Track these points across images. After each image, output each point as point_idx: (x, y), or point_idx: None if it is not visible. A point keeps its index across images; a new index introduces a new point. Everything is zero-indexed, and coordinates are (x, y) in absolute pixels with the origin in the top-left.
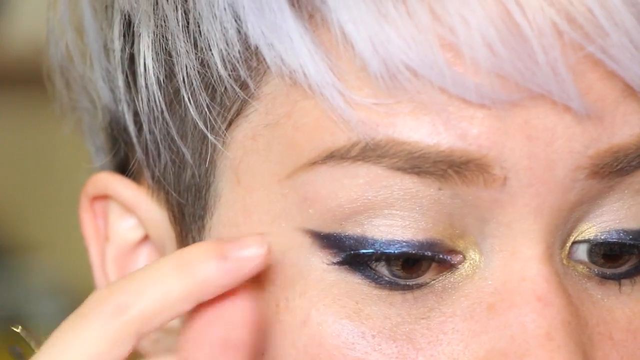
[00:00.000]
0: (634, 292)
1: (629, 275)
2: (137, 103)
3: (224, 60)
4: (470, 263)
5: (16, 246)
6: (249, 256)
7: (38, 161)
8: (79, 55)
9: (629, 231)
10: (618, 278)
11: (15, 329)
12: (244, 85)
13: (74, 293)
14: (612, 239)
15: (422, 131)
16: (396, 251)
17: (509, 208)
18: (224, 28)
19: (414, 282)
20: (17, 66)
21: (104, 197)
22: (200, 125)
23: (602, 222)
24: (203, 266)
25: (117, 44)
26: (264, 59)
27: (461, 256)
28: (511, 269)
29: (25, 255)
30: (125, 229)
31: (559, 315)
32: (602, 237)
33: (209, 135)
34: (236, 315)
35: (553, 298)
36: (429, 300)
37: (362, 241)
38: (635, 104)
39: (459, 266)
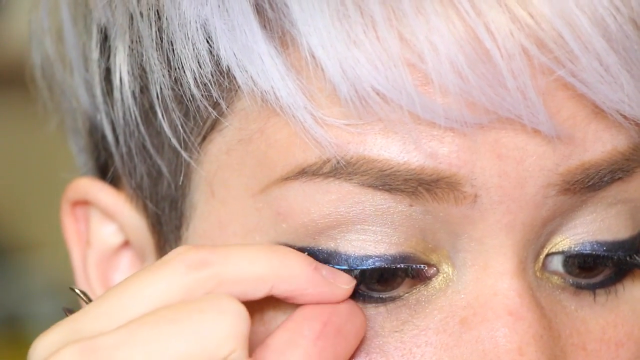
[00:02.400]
0: (608, 302)
1: (603, 285)
2: (112, 115)
3: (196, 80)
4: (443, 277)
5: (16, 246)
6: (336, 282)
7: (38, 161)
8: (58, 61)
9: (603, 243)
10: (593, 288)
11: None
12: (216, 105)
13: (73, 293)
14: (586, 250)
15: (393, 149)
16: (370, 267)
17: (480, 224)
18: (196, 49)
19: (387, 295)
20: (17, 66)
21: (84, 203)
22: (174, 140)
23: (576, 235)
24: (294, 262)
25: (95, 54)
26: (236, 80)
27: (435, 269)
28: (483, 283)
29: (25, 255)
30: (106, 234)
31: (530, 330)
32: (576, 249)
33: (181, 151)
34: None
35: (525, 312)
36: (402, 313)
37: (335, 256)
38: (607, 120)
39: (433, 279)
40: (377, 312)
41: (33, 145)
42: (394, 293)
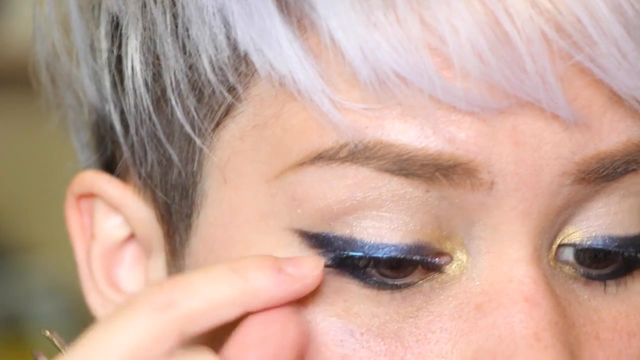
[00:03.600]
0: (619, 293)
1: (614, 276)
2: (123, 104)
3: (212, 64)
4: (457, 264)
5: (16, 246)
6: (303, 274)
7: (38, 161)
8: (65, 53)
9: (614, 237)
10: (604, 279)
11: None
12: (231, 89)
13: (74, 293)
14: (598, 245)
15: (411, 134)
16: (384, 255)
17: (495, 211)
18: (213, 33)
19: (402, 282)
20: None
21: (90, 196)
22: (187, 127)
23: (589, 227)
24: (257, 274)
25: (104, 44)
26: (253, 64)
27: (448, 257)
28: (498, 270)
29: (25, 255)
30: (111, 227)
31: (546, 316)
32: (588, 243)
33: (194, 137)
34: (285, 336)
35: (541, 299)
36: (417, 299)
37: (350, 242)
38: (622, 110)
39: (446, 267)
40: (392, 298)
41: (33, 145)
42: (407, 280)
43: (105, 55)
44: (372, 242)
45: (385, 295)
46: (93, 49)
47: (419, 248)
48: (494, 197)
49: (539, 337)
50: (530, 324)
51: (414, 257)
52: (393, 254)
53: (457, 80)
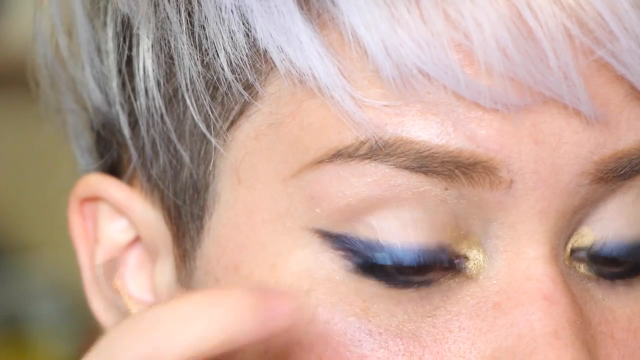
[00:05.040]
0: (631, 292)
1: (626, 276)
2: (134, 105)
3: (230, 62)
4: (474, 263)
5: (16, 246)
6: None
7: (38, 161)
8: (68, 56)
9: (627, 237)
10: (615, 278)
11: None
12: (248, 87)
13: (74, 293)
14: (610, 253)
15: (431, 131)
16: (408, 257)
17: (514, 210)
18: (232, 31)
19: (420, 280)
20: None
21: (93, 199)
22: (201, 126)
23: (602, 229)
24: (234, 300)
25: (112, 46)
26: (272, 62)
27: (464, 258)
28: (516, 269)
29: (25, 255)
30: (115, 230)
31: (565, 314)
32: (598, 248)
33: (210, 136)
34: None
35: (559, 297)
36: (435, 298)
37: (374, 244)
38: (638, 108)
39: (463, 266)
40: (409, 298)
41: (33, 145)
42: (425, 278)
43: (112, 56)
44: (396, 243)
45: (403, 295)
46: (99, 50)
47: (441, 249)
48: (513, 196)
49: (559, 335)
50: (550, 322)
51: (438, 257)
52: (417, 255)
53: (481, 76)
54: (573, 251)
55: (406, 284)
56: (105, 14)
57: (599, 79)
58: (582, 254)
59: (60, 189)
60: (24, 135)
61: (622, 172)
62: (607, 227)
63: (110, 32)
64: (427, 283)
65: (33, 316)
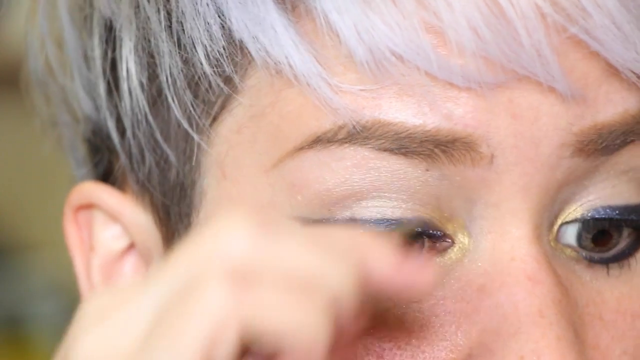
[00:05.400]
0: (622, 275)
1: (616, 259)
2: (119, 108)
3: (208, 56)
4: (459, 247)
5: (16, 246)
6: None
7: (38, 161)
8: (58, 67)
9: (615, 207)
10: (606, 262)
11: None
12: (228, 80)
13: (74, 293)
14: (599, 215)
15: (408, 112)
16: (386, 229)
17: (497, 187)
18: (208, 24)
19: None
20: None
21: (87, 207)
22: (184, 124)
23: (588, 202)
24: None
25: (98, 52)
26: (249, 52)
27: (450, 241)
28: (500, 250)
29: (25, 255)
30: (109, 237)
31: (550, 294)
32: (589, 215)
33: (193, 134)
34: None
35: (543, 277)
36: None
37: (352, 224)
38: (618, 83)
39: (449, 250)
40: None
41: (33, 145)
42: None
43: (99, 62)
44: (373, 219)
45: None
46: (87, 58)
47: (420, 222)
48: (495, 171)
49: (543, 314)
50: (534, 301)
51: (417, 229)
52: (394, 226)
53: (454, 56)
54: (560, 232)
55: None
56: (91, 21)
57: (575, 55)
58: (571, 237)
59: (60, 189)
60: (24, 135)
61: (603, 145)
62: (593, 199)
63: (96, 38)
64: None
65: (33, 316)
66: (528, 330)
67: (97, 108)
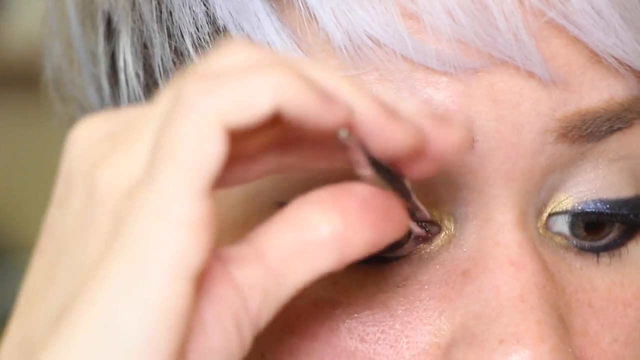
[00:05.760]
0: (612, 263)
1: (607, 248)
2: (119, 100)
3: (194, 43)
4: (445, 233)
5: (16, 246)
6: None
7: (38, 161)
8: (67, 64)
9: (606, 200)
10: (596, 251)
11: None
12: None
13: None
14: (590, 209)
15: (387, 97)
16: None
17: (480, 172)
18: (194, 12)
19: (391, 255)
20: (18, 66)
21: None
22: None
23: (579, 193)
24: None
25: (101, 47)
26: (232, 39)
27: (437, 227)
28: (485, 235)
29: (25, 255)
30: None
31: (532, 278)
32: (580, 208)
33: None
34: None
35: (527, 262)
36: (405, 269)
37: None
38: (604, 70)
39: (435, 237)
40: (379, 269)
41: (33, 145)
42: (397, 253)
43: (102, 57)
44: None
45: (372, 267)
46: (92, 54)
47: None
48: (477, 156)
49: (525, 298)
50: (516, 285)
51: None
52: None
53: (430, 40)
54: (550, 221)
55: (372, 256)
56: (95, 17)
57: (559, 40)
58: (562, 225)
59: None
60: (24, 134)
61: (588, 131)
62: (583, 190)
63: (99, 34)
64: (397, 257)
65: None
66: (509, 314)
67: (103, 103)
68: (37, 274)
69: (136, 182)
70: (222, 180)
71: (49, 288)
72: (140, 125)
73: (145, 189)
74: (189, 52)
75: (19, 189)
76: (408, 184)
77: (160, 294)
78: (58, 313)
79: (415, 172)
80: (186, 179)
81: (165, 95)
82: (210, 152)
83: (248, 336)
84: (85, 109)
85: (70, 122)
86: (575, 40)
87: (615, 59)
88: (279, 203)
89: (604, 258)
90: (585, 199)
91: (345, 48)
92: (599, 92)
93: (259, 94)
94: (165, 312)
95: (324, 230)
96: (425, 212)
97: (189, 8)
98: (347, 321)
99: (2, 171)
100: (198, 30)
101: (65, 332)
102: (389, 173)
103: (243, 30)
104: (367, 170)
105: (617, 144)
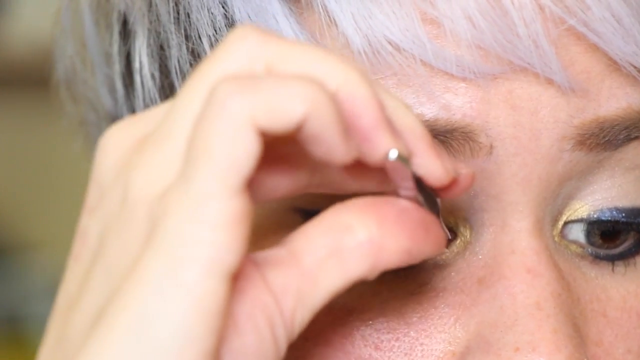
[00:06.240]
0: (627, 273)
1: (622, 257)
2: (134, 101)
3: (212, 46)
4: (461, 239)
5: (16, 246)
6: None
7: (38, 161)
8: (80, 64)
9: (621, 209)
10: (612, 259)
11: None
12: None
13: None
14: (605, 217)
15: (407, 102)
16: None
17: (497, 178)
18: (212, 14)
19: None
20: (17, 66)
21: None
22: None
23: (595, 201)
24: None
25: (115, 47)
26: None
27: (453, 233)
28: (501, 242)
29: (25, 255)
30: None
31: (548, 287)
32: (595, 216)
33: None
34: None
35: (543, 270)
36: (420, 276)
37: None
38: (622, 78)
39: (451, 243)
40: (395, 276)
41: (33, 145)
42: None
43: (116, 58)
44: None
45: (388, 274)
46: (106, 54)
47: None
48: (494, 162)
49: (541, 306)
50: (532, 293)
51: None
52: None
53: (449, 45)
54: (566, 229)
55: None
56: (110, 18)
57: (577, 48)
58: (577, 234)
59: (60, 189)
60: (24, 134)
61: (605, 139)
62: (599, 199)
63: (114, 34)
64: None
65: (33, 316)
66: (524, 323)
67: (116, 105)
68: (73, 280)
69: (170, 183)
70: (253, 192)
71: (86, 292)
72: (170, 126)
73: (180, 189)
74: (206, 53)
75: (19, 189)
76: (440, 203)
77: (196, 293)
78: (95, 316)
79: (449, 194)
80: (221, 178)
81: (190, 94)
82: (245, 151)
83: (283, 340)
84: (97, 110)
85: (81, 122)
86: (595, 48)
87: (634, 67)
88: (295, 208)
89: (619, 267)
90: (600, 207)
91: (365, 52)
92: (617, 100)
93: (294, 101)
94: (201, 310)
95: (360, 234)
96: (446, 231)
97: (207, 10)
98: (361, 328)
99: (2, 171)
100: (216, 33)
101: (102, 334)
102: (428, 194)
103: None
104: (410, 192)
105: (634, 152)
